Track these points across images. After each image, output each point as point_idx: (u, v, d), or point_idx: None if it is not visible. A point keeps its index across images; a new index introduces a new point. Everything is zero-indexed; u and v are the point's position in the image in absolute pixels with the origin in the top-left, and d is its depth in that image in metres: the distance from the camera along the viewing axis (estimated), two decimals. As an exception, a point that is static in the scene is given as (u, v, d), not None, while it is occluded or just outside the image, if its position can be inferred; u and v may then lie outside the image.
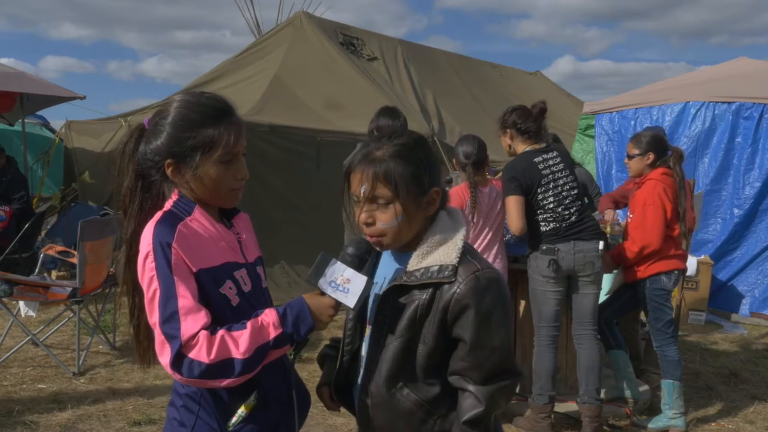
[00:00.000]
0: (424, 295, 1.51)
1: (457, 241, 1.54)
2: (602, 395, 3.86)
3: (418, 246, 1.55)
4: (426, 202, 1.55)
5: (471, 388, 1.50)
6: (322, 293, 1.54)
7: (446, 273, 1.49)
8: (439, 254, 1.52)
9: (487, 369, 1.50)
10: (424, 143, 1.59)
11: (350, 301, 1.51)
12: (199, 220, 1.57)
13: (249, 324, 1.48)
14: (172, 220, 1.53)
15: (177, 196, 1.60)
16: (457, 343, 1.52)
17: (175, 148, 1.55)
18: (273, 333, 1.48)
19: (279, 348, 1.51)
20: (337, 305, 1.54)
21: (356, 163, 1.54)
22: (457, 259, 1.51)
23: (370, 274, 1.65)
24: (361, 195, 1.52)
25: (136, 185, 1.62)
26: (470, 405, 1.50)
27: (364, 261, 1.57)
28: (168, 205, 1.59)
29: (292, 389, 1.65)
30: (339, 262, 1.54)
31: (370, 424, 1.60)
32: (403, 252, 1.60)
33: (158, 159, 1.57)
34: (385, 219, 1.51)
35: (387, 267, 1.64)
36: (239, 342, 1.45)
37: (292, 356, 1.65)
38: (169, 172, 1.57)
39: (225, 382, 1.46)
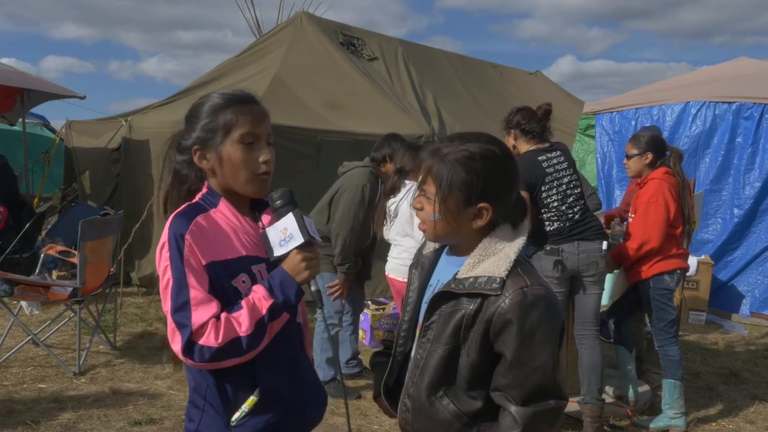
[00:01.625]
0: (471, 305, 1.50)
1: (509, 254, 1.51)
2: (605, 395, 3.86)
3: (472, 253, 1.55)
4: (473, 214, 1.54)
5: (511, 408, 1.48)
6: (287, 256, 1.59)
7: (493, 285, 1.47)
8: (489, 264, 1.51)
9: (528, 389, 1.47)
10: (493, 156, 1.55)
11: (297, 240, 1.56)
12: (223, 212, 1.64)
13: (243, 303, 1.54)
14: (191, 213, 1.59)
15: (206, 190, 1.67)
16: (501, 358, 1.50)
17: (201, 134, 1.63)
18: (265, 305, 1.54)
19: (275, 318, 1.56)
20: (304, 253, 1.57)
21: (423, 155, 1.60)
22: (506, 272, 1.48)
23: (427, 276, 1.69)
24: (417, 183, 1.60)
25: (174, 183, 1.71)
26: (507, 426, 1.48)
27: (295, 203, 1.62)
28: (197, 198, 1.66)
29: (298, 387, 1.67)
30: (270, 227, 1.60)
31: (409, 428, 1.60)
32: (458, 256, 1.61)
33: (187, 149, 1.65)
34: (426, 211, 1.57)
35: (443, 270, 1.65)
36: (240, 321, 1.51)
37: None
38: (195, 158, 1.64)
39: (234, 361, 1.52)
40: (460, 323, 1.51)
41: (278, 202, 1.61)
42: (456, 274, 1.54)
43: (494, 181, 1.54)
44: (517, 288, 1.46)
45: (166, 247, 1.54)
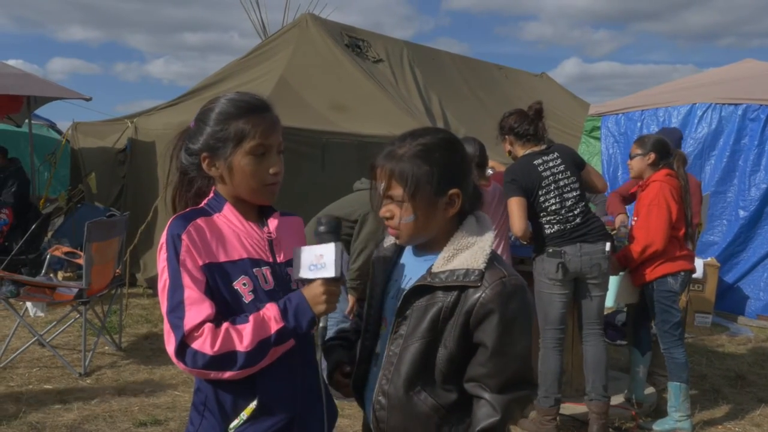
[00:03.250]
0: (448, 298, 1.51)
1: (485, 246, 1.53)
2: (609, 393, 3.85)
3: (444, 248, 1.55)
4: (445, 203, 1.54)
5: (487, 396, 1.50)
6: (312, 282, 1.53)
7: (473, 277, 1.49)
8: (465, 258, 1.52)
9: (506, 377, 1.49)
10: (448, 144, 1.58)
11: (329, 271, 1.50)
12: (227, 217, 1.62)
13: (251, 318, 1.49)
14: (192, 215, 1.58)
15: (213, 195, 1.65)
16: (477, 348, 1.51)
17: (210, 141, 1.59)
18: (274, 326, 1.49)
19: (281, 343, 1.51)
20: (329, 286, 1.51)
21: (379, 159, 1.56)
22: (485, 264, 1.50)
23: (388, 271, 1.67)
24: (381, 191, 1.55)
25: (181, 184, 1.68)
26: (485, 413, 1.49)
27: (339, 234, 1.56)
28: (203, 203, 1.65)
29: (297, 397, 1.62)
30: (307, 247, 1.54)
31: (384, 426, 1.59)
32: (426, 252, 1.60)
33: (195, 153, 1.62)
34: (401, 216, 1.53)
35: (409, 266, 1.63)
36: (243, 335, 1.47)
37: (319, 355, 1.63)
38: (204, 165, 1.61)
39: (227, 375, 1.48)
40: (438, 316, 1.51)
41: (323, 227, 1.55)
42: (430, 268, 1.54)
43: (456, 166, 1.56)
44: (496, 279, 1.49)
45: (164, 248, 1.53)
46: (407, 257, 1.66)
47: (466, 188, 1.57)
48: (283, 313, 1.51)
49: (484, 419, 1.49)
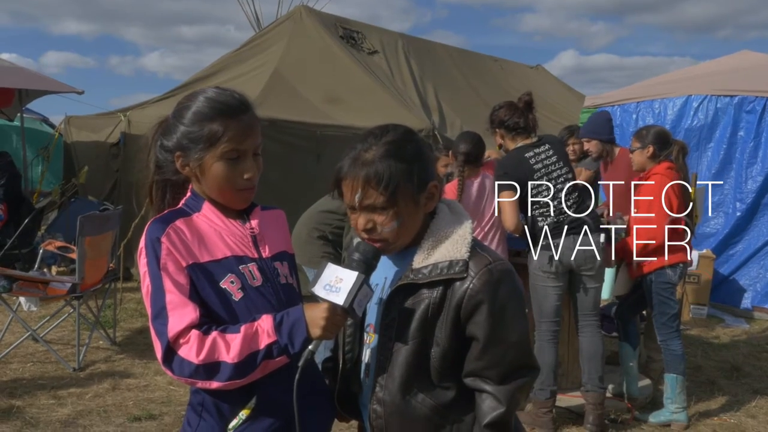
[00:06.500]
0: (434, 294, 1.44)
1: (465, 235, 1.47)
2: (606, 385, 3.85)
3: (422, 241, 1.48)
4: (426, 198, 1.48)
5: (489, 388, 1.44)
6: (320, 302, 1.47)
7: (457, 268, 1.42)
8: (446, 249, 1.45)
9: (505, 366, 1.44)
10: (413, 136, 1.51)
11: (339, 298, 1.40)
12: (206, 215, 1.57)
13: (243, 328, 1.44)
14: (170, 217, 1.53)
15: (190, 193, 1.61)
16: (471, 342, 1.45)
17: (183, 141, 1.54)
18: (265, 341, 1.44)
19: (272, 357, 1.45)
20: (334, 311, 1.43)
21: (346, 169, 1.45)
22: (468, 254, 1.44)
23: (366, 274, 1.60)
24: (356, 202, 1.44)
25: (158, 176, 1.64)
26: (490, 407, 1.44)
27: (372, 267, 1.46)
28: (181, 203, 1.60)
29: (294, 396, 1.56)
30: (333, 265, 1.45)
31: None
32: (403, 250, 1.52)
33: (170, 151, 1.57)
34: (385, 223, 1.44)
35: (385, 268, 1.54)
36: (231, 345, 1.43)
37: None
38: (177, 164, 1.57)
39: (214, 385, 1.44)
40: (426, 314, 1.45)
41: (356, 255, 1.45)
42: (410, 264, 1.47)
43: (427, 157, 1.51)
44: (482, 267, 1.43)
45: (143, 253, 1.48)
46: (384, 259, 1.55)
47: (437, 177, 1.51)
48: (278, 327, 1.45)
49: (489, 413, 1.44)
